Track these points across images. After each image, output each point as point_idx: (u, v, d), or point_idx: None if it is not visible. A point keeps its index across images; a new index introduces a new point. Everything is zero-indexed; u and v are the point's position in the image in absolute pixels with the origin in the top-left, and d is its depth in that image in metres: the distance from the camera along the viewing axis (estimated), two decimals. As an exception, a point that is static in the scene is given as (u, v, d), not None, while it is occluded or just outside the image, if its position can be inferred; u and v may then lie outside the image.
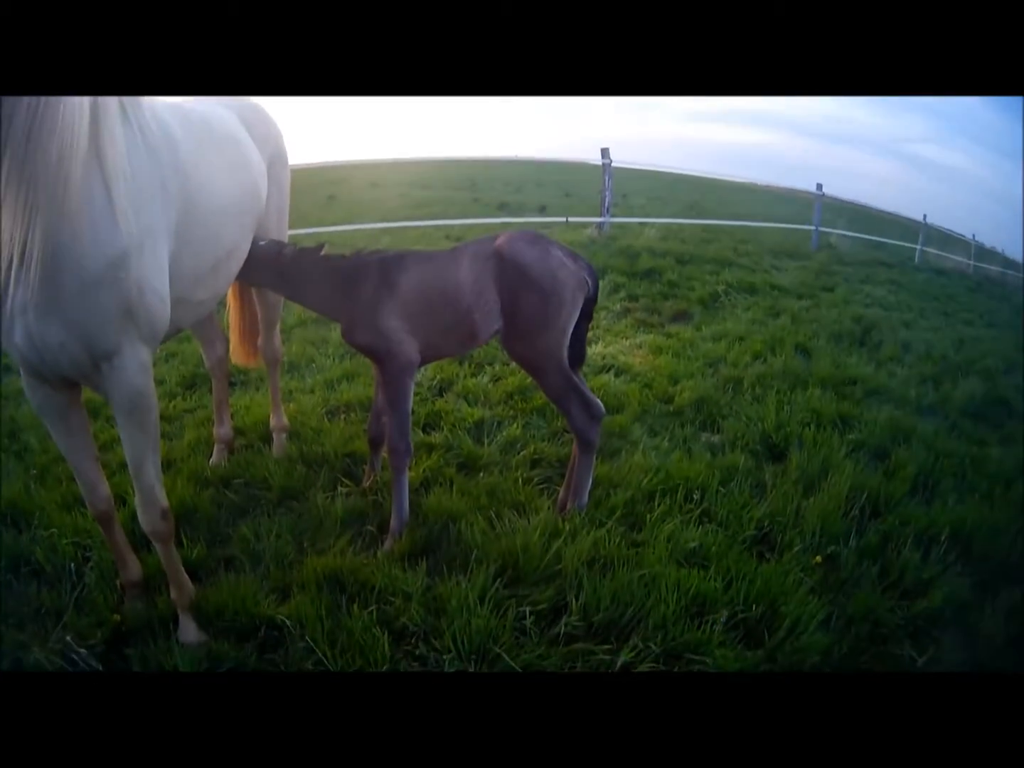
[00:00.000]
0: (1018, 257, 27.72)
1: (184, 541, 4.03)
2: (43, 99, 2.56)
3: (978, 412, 6.42)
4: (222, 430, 5.19)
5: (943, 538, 4.12)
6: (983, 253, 26.79)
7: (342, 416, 5.75)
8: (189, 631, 3.47)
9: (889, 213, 28.28)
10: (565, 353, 4.00)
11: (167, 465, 4.91)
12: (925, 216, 23.73)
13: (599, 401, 4.12)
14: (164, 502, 3.37)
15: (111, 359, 2.97)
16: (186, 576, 3.60)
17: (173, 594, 3.55)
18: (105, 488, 3.53)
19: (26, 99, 2.52)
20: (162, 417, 5.74)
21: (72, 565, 3.91)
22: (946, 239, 24.63)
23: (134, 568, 3.73)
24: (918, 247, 22.00)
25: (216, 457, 5.14)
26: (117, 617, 3.55)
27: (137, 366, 3.05)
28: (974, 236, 27.30)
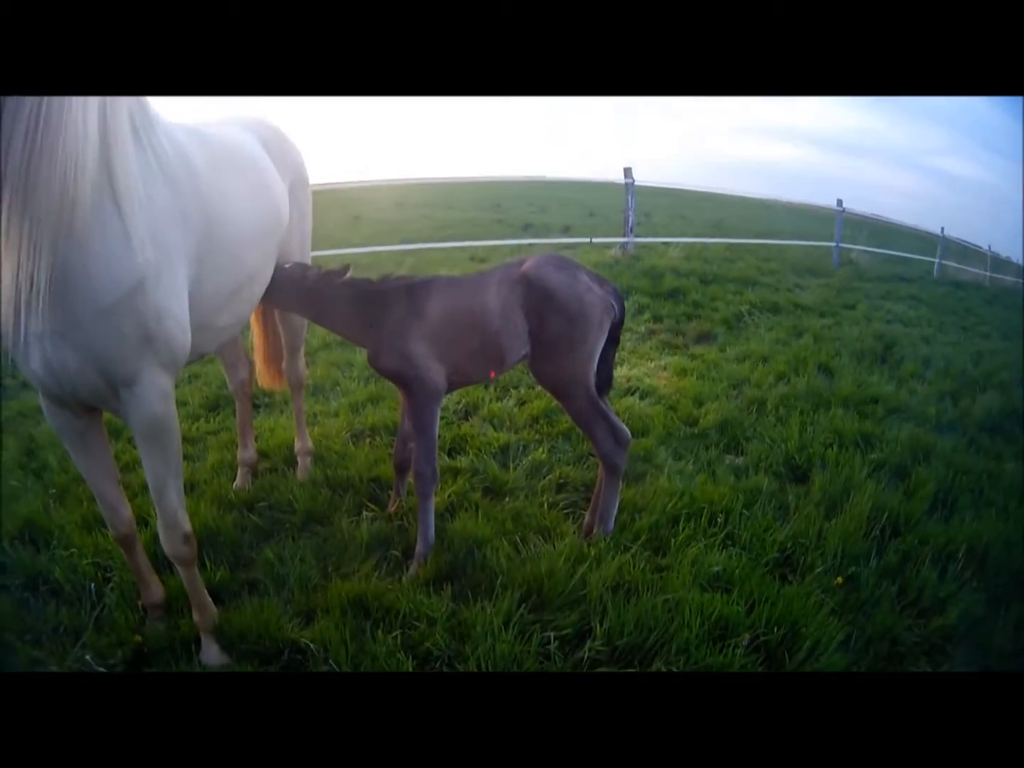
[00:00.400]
0: (1030, 264, 27.58)
1: (207, 564, 4.07)
2: (41, 125, 2.53)
3: (995, 426, 6.45)
4: (246, 453, 5.21)
5: (960, 555, 4.14)
6: (999, 263, 26.63)
7: (367, 440, 5.75)
8: (211, 653, 3.53)
9: (908, 226, 28.20)
10: (592, 378, 4.04)
11: (190, 487, 4.96)
12: (943, 229, 23.64)
13: (625, 427, 4.15)
14: (187, 526, 3.38)
15: (130, 386, 2.98)
16: (209, 599, 3.62)
17: (195, 617, 3.57)
18: (127, 511, 3.54)
19: (23, 125, 2.51)
20: (185, 439, 5.79)
21: (92, 585, 3.95)
22: (963, 251, 24.48)
23: (156, 590, 3.75)
24: (936, 260, 21.91)
25: (240, 481, 5.15)
26: (138, 638, 3.59)
27: (157, 393, 3.05)
28: (989, 247, 27.16)
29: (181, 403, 6.65)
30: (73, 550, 4.21)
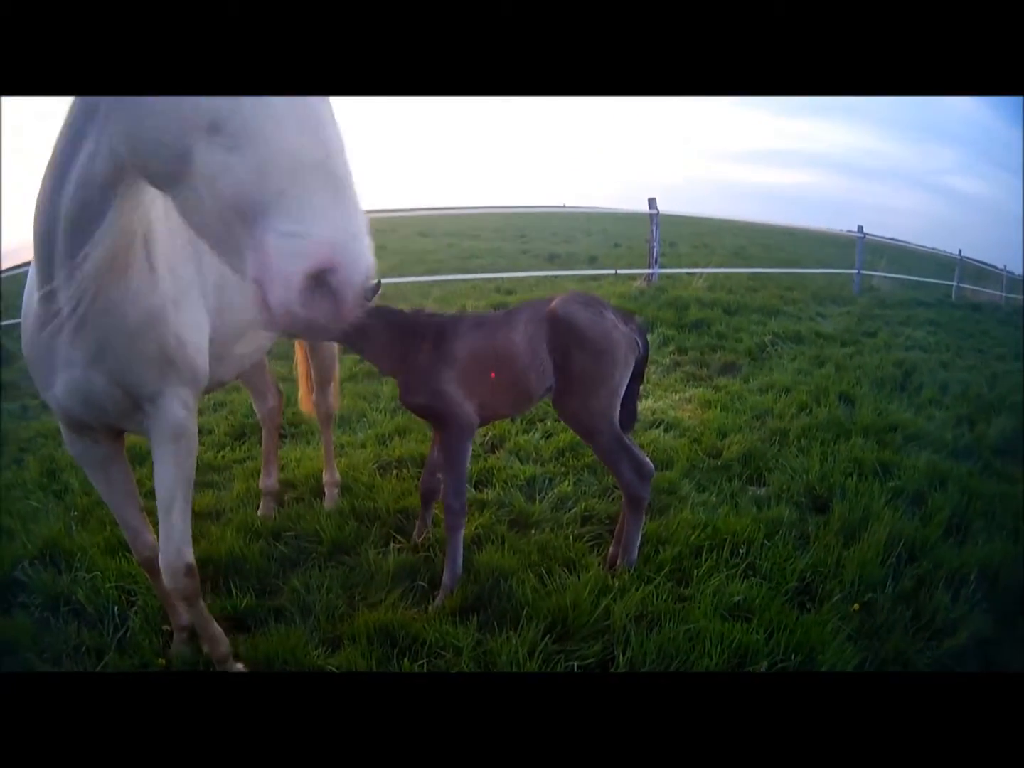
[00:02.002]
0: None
1: (233, 591, 4.14)
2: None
3: (1008, 448, 6.45)
4: (268, 482, 5.29)
5: (972, 577, 4.17)
6: (1013, 283, 26.42)
7: (394, 471, 5.79)
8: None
9: (926, 248, 28.08)
10: (616, 414, 4.11)
11: (216, 515, 5.07)
12: (960, 251, 23.50)
13: (649, 461, 4.22)
14: (190, 557, 3.29)
15: (154, 400, 3.11)
16: (218, 630, 3.59)
17: (206, 649, 3.60)
18: (150, 535, 3.59)
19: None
20: (211, 467, 5.95)
21: (116, 608, 3.99)
22: (979, 272, 24.32)
23: (182, 613, 3.73)
24: (955, 284, 21.81)
25: (264, 509, 5.22)
26: (162, 661, 3.65)
27: (179, 402, 3.17)
28: (1005, 267, 26.99)
29: (207, 431, 6.79)
30: (96, 573, 4.27)
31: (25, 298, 3.01)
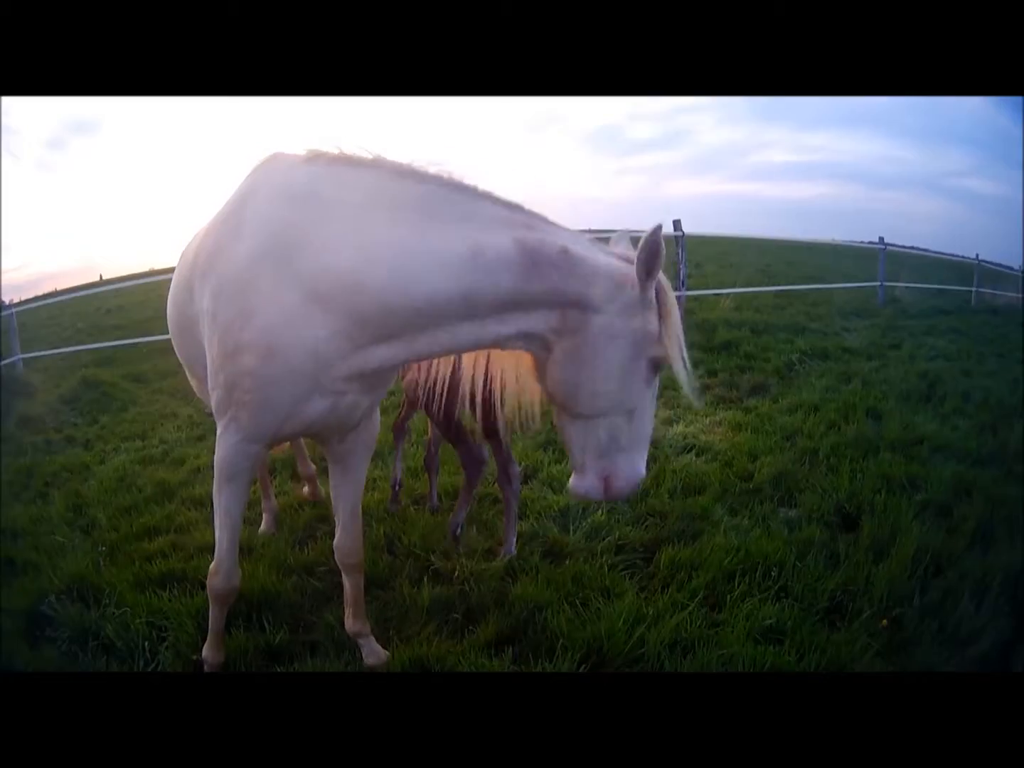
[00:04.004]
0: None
1: (266, 626, 4.12)
2: None
3: None
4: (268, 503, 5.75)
5: (995, 585, 4.13)
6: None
7: (426, 505, 5.78)
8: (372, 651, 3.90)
9: (944, 254, 27.70)
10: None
11: (247, 551, 4.96)
12: (978, 255, 23.15)
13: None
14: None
15: (371, 415, 3.56)
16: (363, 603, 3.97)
17: (350, 622, 3.93)
18: (238, 570, 3.69)
19: None
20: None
21: (146, 643, 3.99)
22: (997, 275, 23.95)
23: (222, 652, 3.85)
24: (973, 289, 21.54)
25: (265, 527, 5.63)
26: None
27: (378, 418, 3.74)
28: (1022, 268, 26.58)
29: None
30: (126, 608, 4.26)
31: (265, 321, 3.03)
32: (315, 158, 3.08)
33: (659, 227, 2.86)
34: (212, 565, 3.64)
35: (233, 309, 3.08)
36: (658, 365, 3.04)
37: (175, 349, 4.24)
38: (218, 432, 3.36)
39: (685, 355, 3.09)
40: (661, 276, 3.01)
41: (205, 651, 3.84)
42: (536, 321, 2.96)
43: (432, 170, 2.94)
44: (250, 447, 3.31)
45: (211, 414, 3.48)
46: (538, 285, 2.88)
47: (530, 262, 2.86)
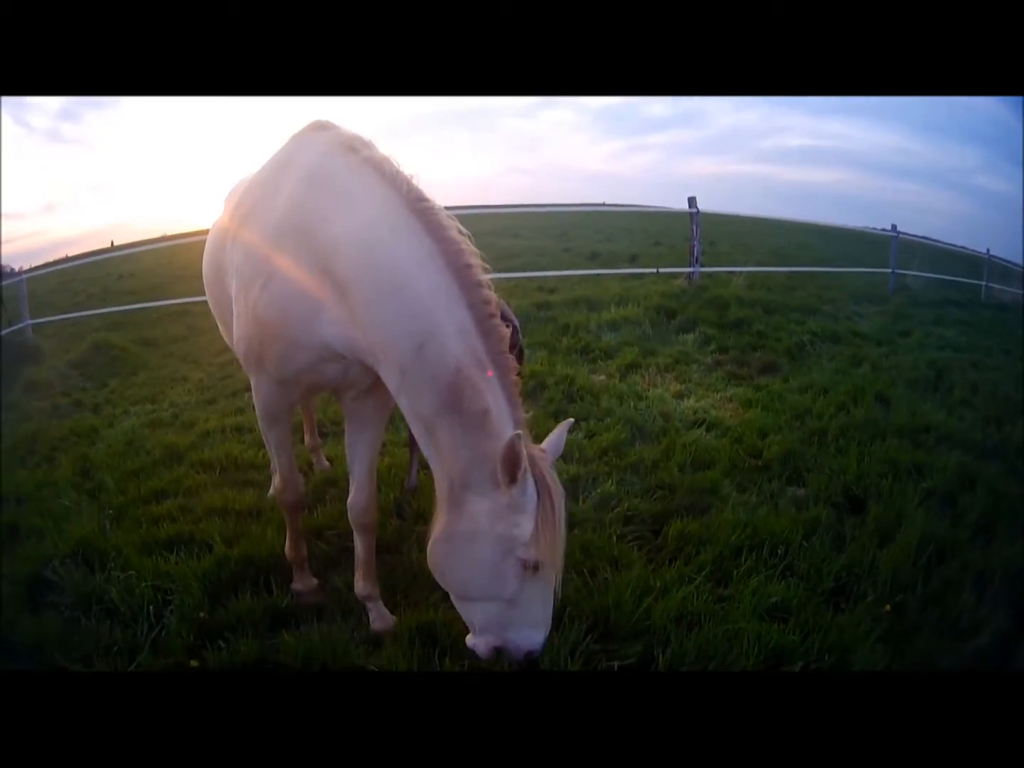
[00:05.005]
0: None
1: (274, 589, 4.15)
2: None
3: None
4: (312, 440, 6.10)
5: (996, 579, 4.16)
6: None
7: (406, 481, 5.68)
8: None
9: (955, 246, 27.47)
10: None
11: (257, 514, 5.08)
12: (988, 250, 22.95)
13: None
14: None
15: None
16: (374, 565, 4.03)
17: (359, 585, 3.99)
18: (302, 479, 4.15)
19: None
20: (251, 466, 6.06)
21: (151, 607, 3.98)
22: (1005, 271, 23.71)
23: (304, 548, 4.26)
24: (984, 283, 21.36)
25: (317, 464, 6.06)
26: (195, 663, 3.61)
27: None
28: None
29: (248, 429, 6.86)
30: (131, 572, 4.26)
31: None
32: (353, 151, 3.25)
33: (518, 436, 2.89)
34: (278, 484, 4.08)
35: (258, 270, 3.31)
36: (535, 564, 3.08)
37: (207, 295, 4.42)
38: (252, 383, 3.64)
39: (559, 559, 3.15)
40: (547, 475, 3.11)
41: (289, 552, 4.22)
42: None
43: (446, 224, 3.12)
44: (282, 390, 3.61)
45: (229, 374, 3.66)
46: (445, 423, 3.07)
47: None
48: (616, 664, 3.53)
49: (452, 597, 3.33)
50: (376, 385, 3.51)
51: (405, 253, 3.02)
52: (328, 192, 3.20)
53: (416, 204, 3.08)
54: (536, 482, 3.05)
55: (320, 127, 3.53)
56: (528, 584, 3.09)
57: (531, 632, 3.17)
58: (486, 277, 3.14)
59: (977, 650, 3.69)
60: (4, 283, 14.68)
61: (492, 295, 3.11)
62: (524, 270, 17.45)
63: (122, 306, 16.04)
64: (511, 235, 32.24)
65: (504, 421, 3.04)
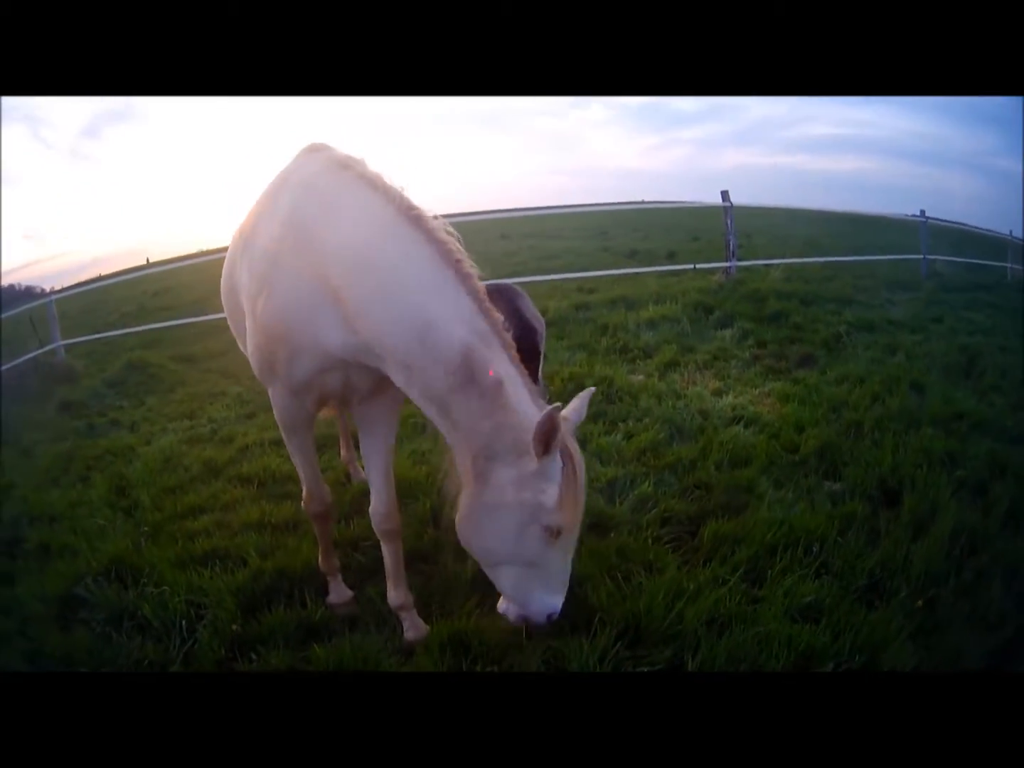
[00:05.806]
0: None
1: (308, 601, 4.13)
2: None
3: None
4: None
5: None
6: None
7: None
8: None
9: (980, 229, 26.88)
10: None
11: (294, 526, 5.08)
12: (1011, 232, 22.48)
13: None
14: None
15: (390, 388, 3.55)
16: (404, 573, 4.02)
17: (391, 595, 3.99)
18: (327, 487, 4.17)
19: None
20: (289, 479, 5.91)
21: (184, 622, 3.98)
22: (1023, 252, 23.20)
23: (336, 560, 4.32)
24: (1008, 265, 21.00)
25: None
26: None
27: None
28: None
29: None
30: (164, 588, 4.26)
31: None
32: (346, 168, 3.42)
33: (557, 408, 3.00)
34: (304, 495, 4.12)
35: (262, 283, 3.48)
36: (558, 529, 3.19)
37: (225, 312, 4.54)
38: (269, 394, 3.80)
39: (578, 525, 3.35)
40: (570, 443, 3.21)
41: (321, 563, 4.28)
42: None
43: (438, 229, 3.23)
44: (296, 399, 3.69)
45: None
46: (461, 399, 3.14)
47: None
48: (646, 670, 3.51)
49: (481, 564, 3.48)
50: (380, 388, 3.66)
51: (397, 252, 3.15)
52: (322, 204, 3.36)
53: (406, 211, 3.20)
54: (559, 451, 3.17)
55: (315, 149, 3.77)
56: (550, 550, 3.22)
57: (550, 596, 3.31)
58: (476, 271, 3.23)
59: (1007, 643, 3.62)
60: (33, 305, 14.81)
61: (482, 286, 3.23)
62: (563, 271, 17.45)
63: (158, 323, 16.20)
64: (551, 236, 32.21)
65: (519, 391, 3.16)
